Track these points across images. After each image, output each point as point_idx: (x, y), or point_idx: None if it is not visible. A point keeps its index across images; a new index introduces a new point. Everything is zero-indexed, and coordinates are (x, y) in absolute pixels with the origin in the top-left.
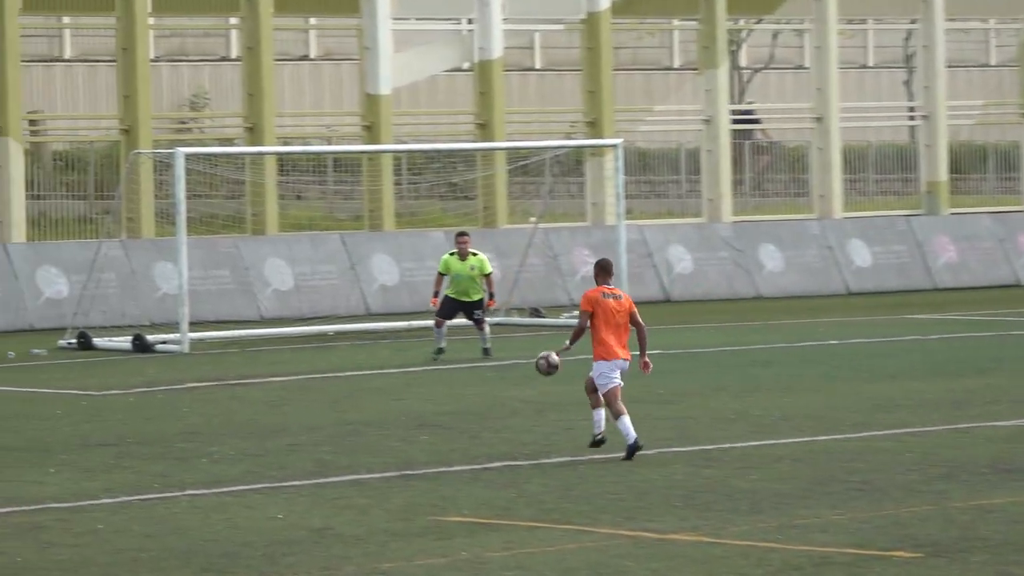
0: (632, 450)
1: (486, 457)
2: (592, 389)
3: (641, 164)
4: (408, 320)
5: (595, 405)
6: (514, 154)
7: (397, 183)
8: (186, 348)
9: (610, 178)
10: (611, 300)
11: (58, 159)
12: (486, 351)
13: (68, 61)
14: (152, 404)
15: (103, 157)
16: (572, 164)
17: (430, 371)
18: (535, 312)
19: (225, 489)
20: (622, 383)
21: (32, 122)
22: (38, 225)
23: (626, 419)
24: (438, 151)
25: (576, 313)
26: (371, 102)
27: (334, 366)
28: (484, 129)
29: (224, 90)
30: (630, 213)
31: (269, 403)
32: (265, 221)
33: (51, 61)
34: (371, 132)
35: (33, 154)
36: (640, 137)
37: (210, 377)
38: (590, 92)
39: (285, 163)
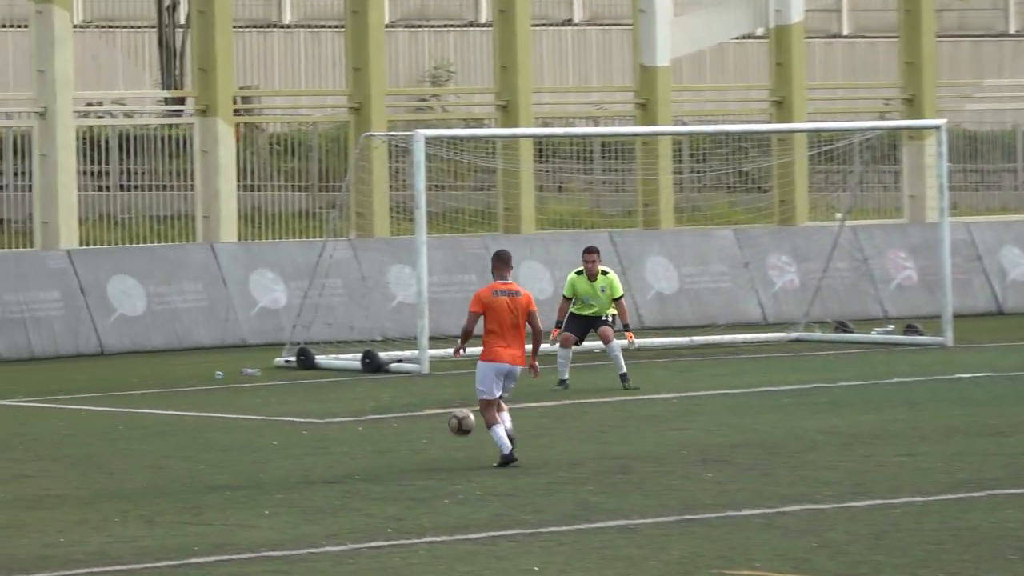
0: (505, 461)
1: (781, 499)
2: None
3: (969, 149)
4: (689, 335)
5: (489, 423)
6: (816, 138)
7: (677, 172)
8: (425, 368)
9: (931, 166)
10: (504, 298)
11: (275, 143)
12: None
13: (288, 27)
14: (385, 434)
15: (328, 141)
16: (886, 150)
17: (714, 396)
18: (841, 326)
19: (471, 536)
20: (505, 393)
21: (245, 99)
22: (251, 221)
23: (499, 429)
24: (726, 134)
25: (890, 328)
26: (646, 75)
27: (601, 390)
28: (781, 108)
29: (472, 61)
30: (955, 208)
31: (524, 433)
32: (520, 217)
33: (268, 27)
34: (646, 111)
35: (246, 137)
36: (968, 117)
37: (455, 402)
38: (908, 64)
39: (544, 148)
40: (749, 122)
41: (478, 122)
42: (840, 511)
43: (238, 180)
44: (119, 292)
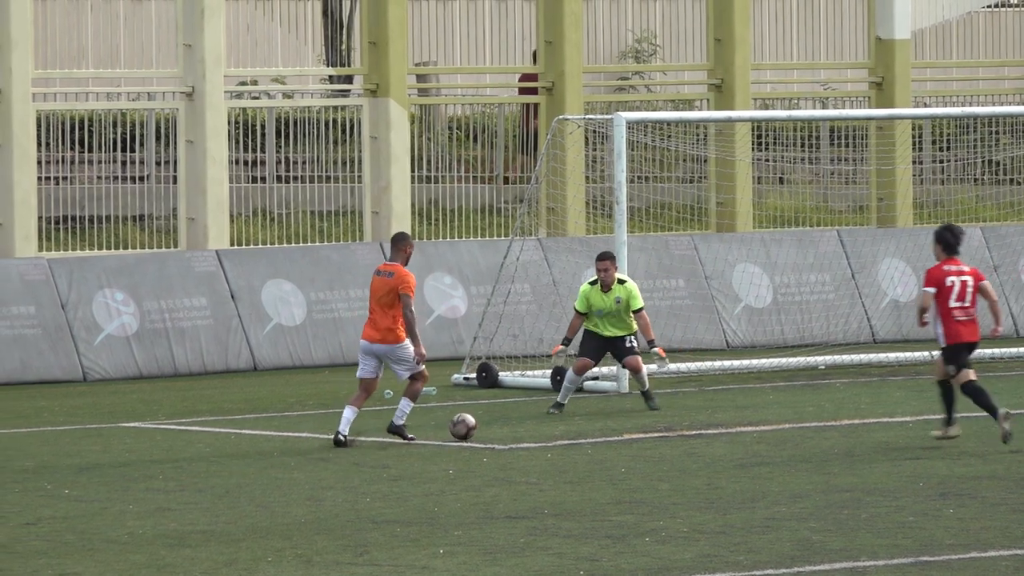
0: (337, 442)
1: None
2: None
3: None
4: (930, 349)
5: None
6: None
7: (916, 161)
8: (624, 386)
9: None
10: (379, 277)
11: (455, 127)
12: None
13: None
14: (578, 462)
15: (516, 126)
16: None
17: (957, 420)
18: None
19: None
20: (374, 373)
21: (421, 78)
22: (427, 217)
23: (348, 411)
24: (974, 117)
25: None
26: (882, 50)
27: (825, 412)
28: None
29: (681, 33)
30: None
31: (736, 462)
32: (735, 213)
33: None
34: (882, 91)
35: (422, 121)
36: None
37: (657, 427)
38: None
39: (763, 134)
40: (1001, 104)
41: (688, 104)
42: None
43: (412, 170)
44: (275, 299)
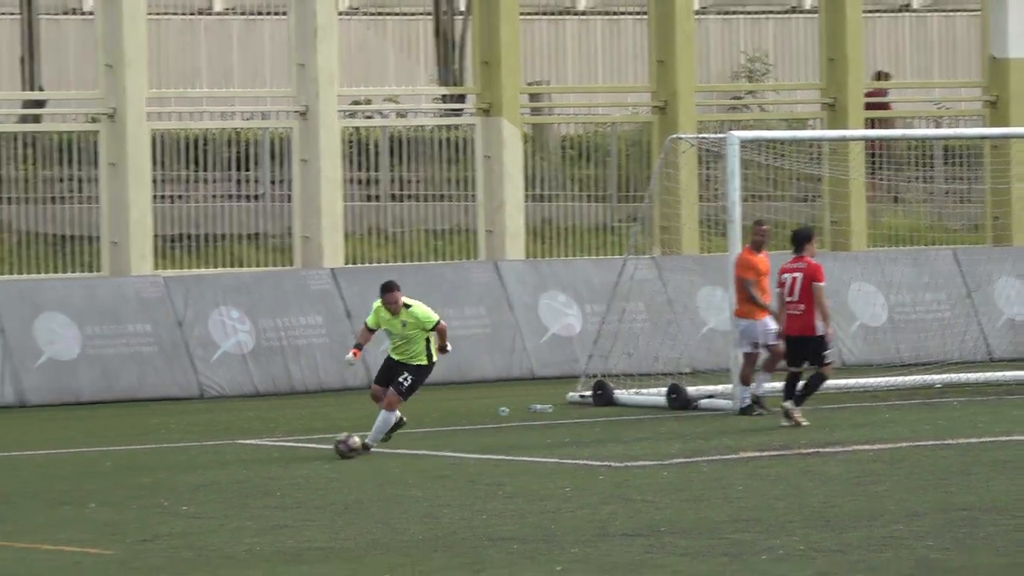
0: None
1: None
2: None
3: None
4: None
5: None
6: None
7: None
8: (739, 404)
9: None
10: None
11: (568, 146)
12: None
13: (583, 14)
14: (694, 480)
15: (629, 144)
16: None
17: None
18: None
19: None
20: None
21: (533, 97)
22: (541, 236)
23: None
24: None
25: None
26: (997, 69)
27: (942, 430)
28: None
29: (795, 52)
30: None
31: (853, 481)
32: (849, 232)
33: (560, 15)
34: (996, 110)
35: (535, 140)
36: None
37: (773, 444)
38: None
39: (876, 153)
40: None
41: (801, 123)
42: None
43: (526, 189)
44: None
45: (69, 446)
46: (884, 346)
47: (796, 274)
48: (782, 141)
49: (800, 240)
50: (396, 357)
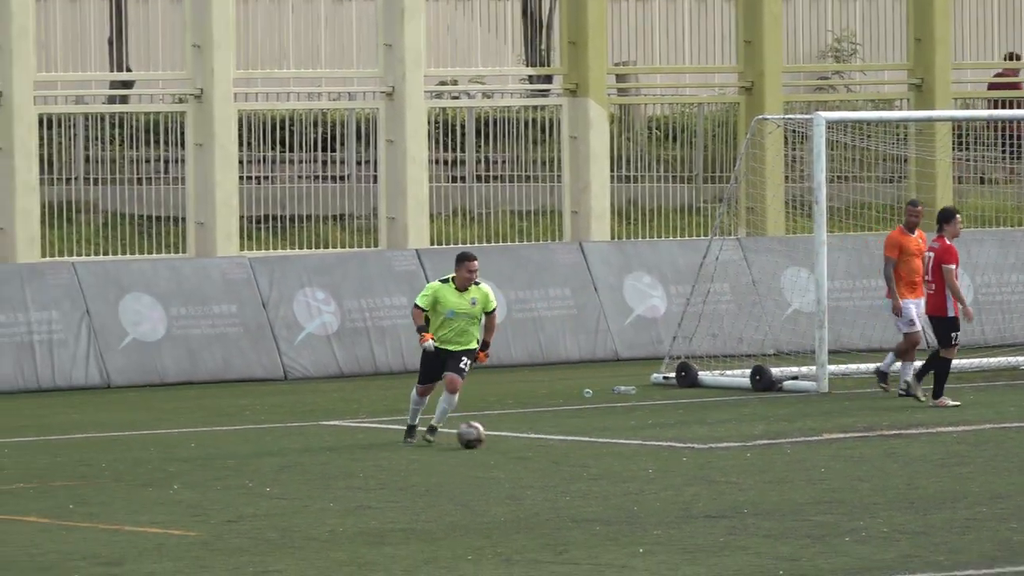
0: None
1: None
2: None
3: None
4: None
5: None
6: None
7: None
8: (824, 386)
9: None
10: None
11: (654, 127)
12: None
13: None
14: (777, 462)
15: (716, 125)
16: None
17: None
18: None
19: None
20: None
21: (620, 77)
22: (626, 217)
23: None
24: None
25: None
26: None
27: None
28: None
29: (882, 32)
30: None
31: (937, 462)
32: (934, 213)
33: None
34: None
35: (621, 121)
36: None
37: (857, 426)
38: None
39: (963, 134)
40: None
41: (888, 103)
42: None
43: (612, 170)
44: None
45: (153, 427)
46: (968, 327)
47: (930, 254)
48: (868, 122)
49: (940, 220)
50: (445, 347)
